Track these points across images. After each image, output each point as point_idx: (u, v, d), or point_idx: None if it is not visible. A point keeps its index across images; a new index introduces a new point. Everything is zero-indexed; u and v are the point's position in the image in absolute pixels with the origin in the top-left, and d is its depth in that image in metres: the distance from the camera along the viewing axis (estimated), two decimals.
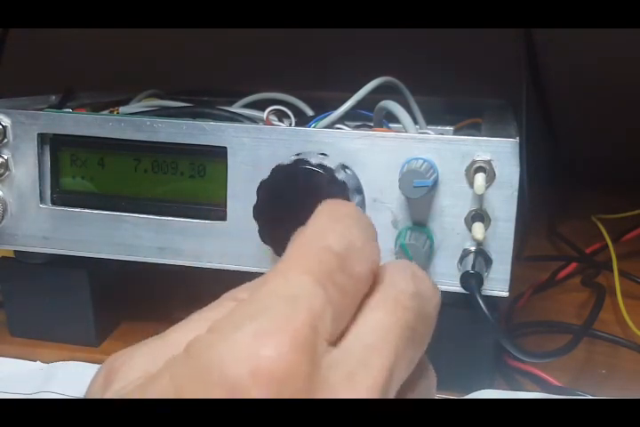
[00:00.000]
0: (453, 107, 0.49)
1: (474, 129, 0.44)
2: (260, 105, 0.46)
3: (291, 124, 0.42)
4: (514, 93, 0.47)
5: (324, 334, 0.18)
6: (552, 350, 0.37)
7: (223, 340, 0.17)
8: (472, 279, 0.33)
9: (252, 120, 0.42)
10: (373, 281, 0.21)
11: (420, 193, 0.33)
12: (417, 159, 0.33)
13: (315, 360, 0.17)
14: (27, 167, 0.39)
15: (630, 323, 0.44)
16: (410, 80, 0.44)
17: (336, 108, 0.39)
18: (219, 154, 0.36)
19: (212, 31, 0.68)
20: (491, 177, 0.33)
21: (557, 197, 0.64)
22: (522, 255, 0.50)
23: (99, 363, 0.20)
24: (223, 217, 0.37)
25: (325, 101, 0.44)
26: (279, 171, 0.34)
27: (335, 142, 0.35)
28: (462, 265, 0.34)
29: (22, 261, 0.42)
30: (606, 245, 0.54)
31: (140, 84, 0.53)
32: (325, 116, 0.40)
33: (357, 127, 0.44)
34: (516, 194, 0.34)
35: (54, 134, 0.38)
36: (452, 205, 0.34)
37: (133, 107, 0.48)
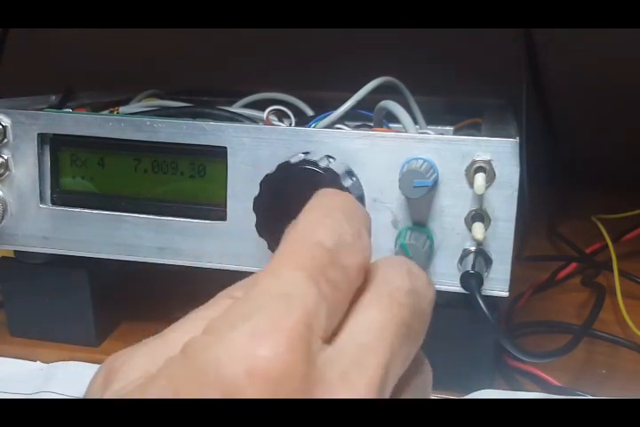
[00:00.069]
0: (453, 107, 0.49)
1: (474, 129, 0.44)
2: (260, 105, 0.46)
3: (291, 124, 0.42)
4: (514, 93, 0.47)
5: (318, 331, 0.18)
6: (552, 350, 0.37)
7: (219, 340, 0.17)
8: (472, 279, 0.33)
9: (252, 120, 0.42)
10: (369, 277, 0.21)
11: (419, 193, 0.33)
12: (417, 159, 0.33)
13: (310, 359, 0.17)
14: (27, 167, 0.39)
15: (630, 323, 0.44)
16: (410, 80, 0.44)
17: (336, 108, 0.40)
18: (219, 154, 0.36)
19: (211, 31, 0.68)
20: (491, 177, 0.33)
21: (557, 197, 0.64)
22: (522, 255, 0.50)
23: (99, 363, 0.20)
24: (223, 217, 0.37)
25: (325, 101, 0.44)
26: (285, 168, 0.34)
27: (335, 142, 0.35)
28: (462, 265, 0.34)
29: (22, 261, 0.42)
30: (606, 245, 0.54)
31: (140, 84, 0.53)
32: (325, 116, 0.40)
33: (357, 127, 0.44)
34: (515, 194, 0.34)
35: (54, 134, 0.38)
36: (451, 205, 0.34)
37: (133, 107, 0.48)
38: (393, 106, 0.39)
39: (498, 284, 0.35)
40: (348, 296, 0.20)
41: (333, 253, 0.19)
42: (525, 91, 0.47)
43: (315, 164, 0.33)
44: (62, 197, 0.39)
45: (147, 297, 0.47)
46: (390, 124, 0.42)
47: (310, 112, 0.46)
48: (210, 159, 0.37)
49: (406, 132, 0.38)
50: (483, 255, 0.34)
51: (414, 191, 0.33)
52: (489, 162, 0.33)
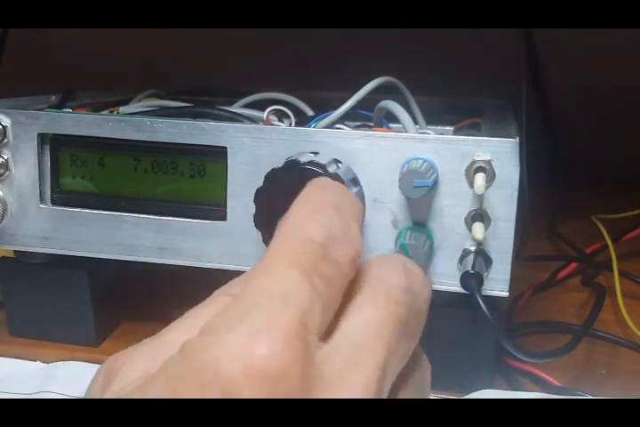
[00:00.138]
0: (453, 107, 0.49)
1: (474, 129, 0.44)
2: (260, 105, 0.46)
3: (291, 124, 0.42)
4: (514, 93, 0.47)
5: (313, 329, 0.18)
6: (552, 350, 0.37)
7: (216, 341, 0.17)
8: (472, 279, 0.33)
9: (252, 120, 0.42)
10: (365, 275, 0.21)
11: (420, 193, 0.33)
12: (417, 159, 0.33)
13: (307, 357, 0.17)
14: (27, 167, 0.39)
15: (630, 323, 0.44)
16: (410, 80, 0.44)
17: (336, 108, 0.40)
18: (219, 154, 0.36)
19: (211, 31, 0.68)
20: (491, 177, 0.33)
21: (557, 197, 0.64)
22: (522, 255, 0.50)
23: (99, 363, 0.20)
24: (223, 217, 0.37)
25: (325, 101, 0.44)
26: (292, 165, 0.34)
27: (335, 142, 0.35)
28: (462, 265, 0.34)
29: (22, 261, 0.42)
30: (606, 245, 0.54)
31: (140, 84, 0.53)
32: (325, 116, 0.40)
33: (357, 127, 0.44)
34: (515, 194, 0.34)
35: (54, 134, 0.38)
36: (451, 205, 0.34)
37: (133, 107, 0.48)
38: (393, 106, 0.39)
39: (498, 284, 0.35)
40: (341, 290, 0.20)
41: (324, 247, 0.19)
42: (525, 91, 0.47)
43: (323, 167, 0.33)
44: (62, 197, 0.39)
45: (147, 297, 0.47)
46: (390, 124, 0.42)
47: (310, 112, 0.46)
48: (210, 159, 0.37)
49: (406, 132, 0.38)
50: (483, 255, 0.34)
51: (414, 191, 0.33)
52: (489, 162, 0.33)
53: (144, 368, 0.19)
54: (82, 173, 0.39)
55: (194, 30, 0.63)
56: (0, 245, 0.40)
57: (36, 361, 0.41)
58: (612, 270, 0.50)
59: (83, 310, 0.43)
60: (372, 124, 0.43)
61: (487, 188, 0.33)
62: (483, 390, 0.38)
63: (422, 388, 0.22)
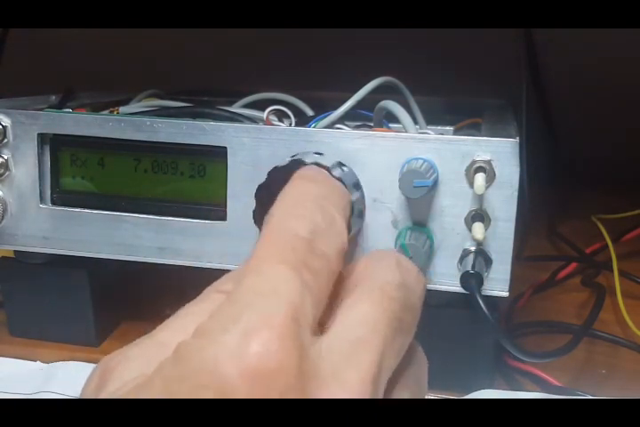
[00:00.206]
0: (453, 107, 0.49)
1: (474, 129, 0.44)
2: (260, 105, 0.46)
3: (291, 124, 0.42)
4: (514, 93, 0.47)
5: (306, 324, 0.18)
6: (552, 350, 0.37)
7: (211, 342, 0.17)
8: (472, 279, 0.33)
9: (252, 120, 0.42)
10: (359, 272, 0.21)
11: (420, 193, 0.33)
12: (417, 159, 0.33)
13: (302, 354, 0.17)
14: (27, 167, 0.39)
15: (630, 323, 0.44)
16: (410, 80, 0.44)
17: (336, 108, 0.39)
18: (219, 154, 0.36)
19: (211, 31, 0.68)
20: (491, 177, 0.33)
21: (557, 197, 0.64)
22: (522, 255, 0.50)
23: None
24: (223, 217, 0.37)
25: (325, 101, 0.44)
26: (296, 164, 0.34)
27: (335, 142, 0.35)
28: (462, 265, 0.34)
29: (22, 261, 0.42)
30: (606, 245, 0.54)
31: (140, 84, 0.53)
32: (325, 116, 0.40)
33: (357, 127, 0.44)
34: (516, 194, 0.34)
35: (54, 134, 0.38)
36: (451, 205, 0.34)
37: (133, 107, 0.48)
38: (393, 106, 0.39)
39: (498, 284, 0.35)
40: (330, 282, 0.20)
41: (311, 242, 0.20)
42: (525, 91, 0.47)
43: (327, 170, 0.33)
44: (62, 197, 0.39)
45: (147, 297, 0.47)
46: (390, 124, 0.42)
47: (310, 112, 0.46)
48: (210, 159, 0.37)
49: (406, 132, 0.38)
50: (483, 255, 0.34)
51: (414, 191, 0.33)
52: (489, 162, 0.33)
53: (139, 368, 0.19)
54: (82, 173, 0.39)
55: (194, 30, 0.63)
56: (0, 245, 0.40)
57: (36, 361, 0.41)
58: (612, 270, 0.50)
59: (83, 310, 0.43)
60: (372, 124, 0.43)
61: (487, 188, 0.33)
62: (483, 390, 0.38)
63: (419, 382, 0.22)
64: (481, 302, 0.33)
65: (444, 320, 0.38)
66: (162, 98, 0.51)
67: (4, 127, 0.38)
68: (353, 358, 0.18)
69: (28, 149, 0.38)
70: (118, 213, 0.38)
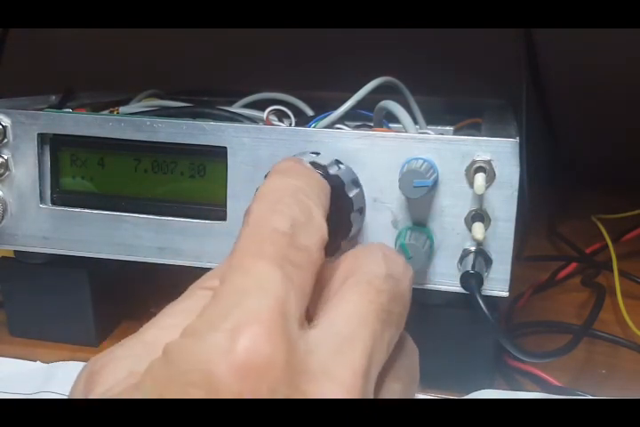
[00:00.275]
0: (453, 107, 0.49)
1: (474, 129, 0.44)
2: (260, 105, 0.46)
3: (291, 124, 0.42)
4: (514, 93, 0.47)
5: (292, 317, 0.18)
6: (552, 350, 0.37)
7: (200, 341, 0.17)
8: (472, 279, 0.33)
9: (252, 120, 0.42)
10: (346, 267, 0.21)
11: (419, 193, 0.33)
12: (417, 159, 0.33)
13: (291, 348, 0.17)
14: (27, 167, 0.39)
15: (630, 323, 0.44)
16: (410, 80, 0.44)
17: (336, 108, 0.39)
18: (219, 154, 0.36)
19: (211, 31, 0.68)
20: (491, 177, 0.33)
21: (557, 197, 0.64)
22: (522, 255, 0.50)
23: None
24: (223, 217, 0.37)
25: (325, 101, 0.44)
26: None
27: (335, 142, 0.35)
28: (462, 265, 0.34)
29: (22, 261, 0.42)
30: (606, 245, 0.54)
31: (140, 84, 0.53)
32: (325, 116, 0.40)
33: (357, 127, 0.44)
34: (516, 194, 0.34)
35: (54, 134, 0.38)
36: (451, 205, 0.34)
37: (133, 107, 0.48)
38: (393, 106, 0.39)
39: (498, 284, 0.35)
40: (312, 275, 0.20)
41: (291, 236, 0.20)
42: (525, 91, 0.47)
43: (324, 168, 0.33)
44: (62, 197, 0.39)
45: (147, 297, 0.47)
46: (390, 124, 0.42)
47: (310, 112, 0.46)
48: (210, 159, 0.37)
49: (406, 132, 0.38)
50: (483, 255, 0.34)
51: (414, 191, 0.33)
52: (489, 162, 0.33)
53: (127, 368, 0.19)
54: (82, 173, 0.39)
55: (194, 30, 0.63)
56: (0, 245, 0.40)
57: (35, 361, 0.41)
58: (612, 270, 0.50)
59: (83, 310, 0.43)
60: (372, 124, 0.43)
61: (487, 188, 0.33)
62: (483, 390, 0.38)
63: (411, 372, 0.22)
64: (481, 302, 0.33)
65: (443, 320, 0.38)
66: (162, 98, 0.51)
67: (4, 127, 0.38)
68: (342, 351, 0.18)
69: (28, 149, 0.38)
70: (118, 213, 0.38)
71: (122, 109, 0.47)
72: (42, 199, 0.39)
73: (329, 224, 0.22)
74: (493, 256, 0.34)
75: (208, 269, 0.38)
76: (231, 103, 0.48)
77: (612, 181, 0.66)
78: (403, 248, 0.34)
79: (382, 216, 0.35)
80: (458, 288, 0.35)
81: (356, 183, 0.34)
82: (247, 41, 0.73)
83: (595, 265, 0.54)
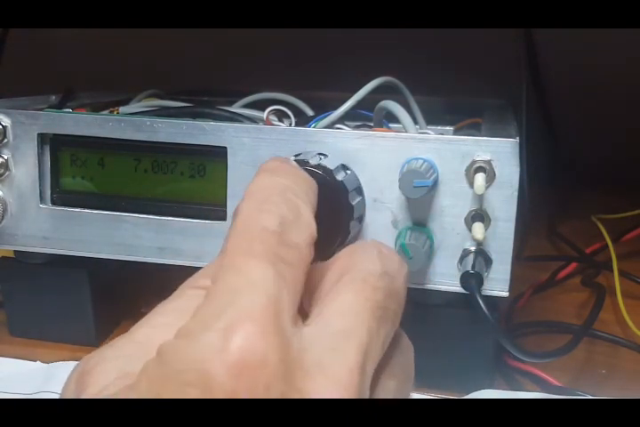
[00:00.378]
0: (453, 107, 0.49)
1: (474, 129, 0.44)
2: (260, 105, 0.46)
3: (291, 124, 0.42)
4: (514, 93, 0.47)
5: (285, 315, 0.18)
6: (552, 350, 0.37)
7: (194, 341, 0.17)
8: (472, 279, 0.33)
9: (252, 120, 0.42)
10: (341, 264, 0.21)
11: (420, 193, 0.33)
12: (417, 159, 0.33)
13: (285, 345, 0.17)
14: (27, 167, 0.39)
15: (630, 323, 0.44)
16: (410, 80, 0.44)
17: (336, 108, 0.39)
18: (219, 154, 0.36)
19: (212, 31, 0.68)
20: (491, 177, 0.33)
21: (557, 197, 0.64)
22: (522, 255, 0.50)
23: None
24: (223, 217, 0.37)
25: (325, 101, 0.44)
26: (300, 165, 0.33)
27: (335, 142, 0.35)
28: (462, 265, 0.34)
29: (22, 261, 0.42)
30: (606, 245, 0.54)
31: (140, 84, 0.53)
32: (325, 116, 0.40)
33: (357, 127, 0.44)
34: (516, 194, 0.34)
35: (54, 134, 0.38)
36: (451, 205, 0.34)
37: (133, 107, 0.48)
38: (393, 106, 0.39)
39: (498, 284, 0.35)
40: (303, 273, 0.20)
41: (280, 234, 0.20)
42: (525, 91, 0.47)
43: (330, 173, 0.32)
44: (62, 197, 0.39)
45: (147, 297, 0.47)
46: (390, 124, 0.42)
47: (310, 112, 0.46)
48: (210, 159, 0.37)
49: (406, 132, 0.38)
50: (483, 255, 0.34)
51: (414, 191, 0.33)
52: (489, 162, 0.33)
53: (118, 368, 0.19)
54: (82, 173, 0.39)
55: (194, 30, 0.63)
56: (0, 245, 0.40)
57: (35, 361, 0.41)
58: (612, 270, 0.50)
59: (83, 310, 0.43)
60: (372, 124, 0.43)
61: (487, 188, 0.33)
62: (483, 390, 0.38)
63: (406, 369, 0.22)
64: (481, 302, 0.33)
65: (443, 320, 0.38)
66: (162, 98, 0.51)
67: (4, 127, 0.38)
68: (338, 348, 0.18)
69: (28, 149, 0.38)
70: (118, 213, 0.38)
71: (122, 109, 0.47)
72: (42, 199, 0.39)
73: (317, 222, 0.22)
74: (493, 256, 0.34)
75: None
76: (231, 103, 0.48)
77: (612, 181, 0.66)
78: (403, 248, 0.34)
79: (382, 216, 0.35)
80: (458, 288, 0.35)
81: (359, 191, 0.34)
82: (247, 41, 0.73)
83: (595, 265, 0.54)
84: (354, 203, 0.33)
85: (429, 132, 0.42)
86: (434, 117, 0.45)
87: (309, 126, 0.39)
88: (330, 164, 0.33)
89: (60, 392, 0.37)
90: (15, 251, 0.42)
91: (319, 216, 0.23)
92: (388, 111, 0.40)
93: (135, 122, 0.37)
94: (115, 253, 0.39)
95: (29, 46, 0.72)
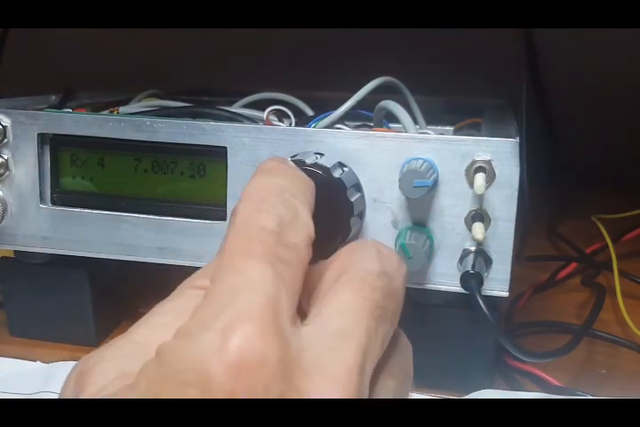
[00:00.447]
0: (453, 107, 0.49)
1: (474, 129, 0.44)
2: (260, 105, 0.46)
3: (291, 124, 0.42)
4: (514, 93, 0.47)
5: (284, 314, 0.18)
6: (552, 350, 0.37)
7: (193, 341, 0.17)
8: (472, 279, 0.33)
9: (252, 120, 0.42)
10: (340, 264, 0.21)
11: (419, 193, 0.33)
12: (417, 159, 0.33)
13: (284, 345, 0.17)
14: (27, 167, 0.39)
15: (630, 323, 0.44)
16: (410, 80, 0.44)
17: (336, 108, 0.39)
18: (219, 154, 0.36)
19: (212, 31, 0.68)
20: (491, 177, 0.33)
21: (557, 197, 0.64)
22: (522, 255, 0.50)
23: None
24: (223, 217, 0.37)
25: (325, 101, 0.44)
26: (297, 165, 0.34)
27: (335, 142, 0.35)
28: (462, 265, 0.34)
29: (22, 261, 0.42)
30: (606, 245, 0.54)
31: (140, 84, 0.53)
32: (325, 116, 0.40)
33: (357, 127, 0.44)
34: (516, 194, 0.34)
35: (54, 134, 0.38)
36: (451, 205, 0.34)
37: (133, 107, 0.48)
38: (393, 106, 0.39)
39: (498, 284, 0.35)
40: (302, 273, 0.20)
41: (278, 234, 0.20)
42: (525, 91, 0.47)
43: (327, 171, 0.32)
44: (62, 197, 0.39)
45: (147, 297, 0.47)
46: (390, 124, 0.42)
47: (310, 112, 0.46)
48: (210, 159, 0.37)
49: (406, 132, 0.38)
50: (483, 255, 0.34)
51: (414, 191, 0.33)
52: (489, 162, 0.33)
53: (117, 368, 0.19)
54: (82, 173, 0.39)
55: (194, 30, 0.63)
56: (0, 245, 0.40)
57: (35, 361, 0.41)
58: (612, 270, 0.50)
59: (83, 309, 0.43)
60: (372, 124, 0.43)
61: (487, 188, 0.33)
62: (483, 390, 0.38)
63: (405, 369, 0.22)
64: (481, 302, 0.33)
65: (443, 320, 0.38)
66: (162, 98, 0.51)
67: (4, 127, 0.38)
68: (337, 348, 0.18)
69: (28, 149, 0.38)
70: (118, 213, 0.38)
71: (122, 109, 0.47)
72: (42, 199, 0.39)
73: (315, 222, 0.22)
74: (493, 256, 0.34)
75: None
76: (231, 103, 0.48)
77: (612, 181, 0.66)
78: (403, 248, 0.34)
79: (382, 216, 0.35)
80: (458, 288, 0.35)
81: (357, 188, 0.34)
82: (247, 41, 0.73)
83: (595, 265, 0.54)
84: (353, 199, 0.33)
85: (429, 132, 0.42)
86: (434, 117, 0.45)
87: (309, 126, 0.39)
88: (327, 162, 0.33)
89: (59, 392, 0.37)
90: (15, 251, 0.42)
91: (318, 215, 0.23)
92: (387, 111, 0.40)
93: (135, 122, 0.37)
94: (115, 253, 0.39)
95: (29, 46, 0.72)
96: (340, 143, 0.35)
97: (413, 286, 0.35)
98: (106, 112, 0.46)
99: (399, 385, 0.22)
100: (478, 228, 0.33)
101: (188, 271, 0.23)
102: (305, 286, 0.20)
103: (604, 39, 0.61)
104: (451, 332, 0.38)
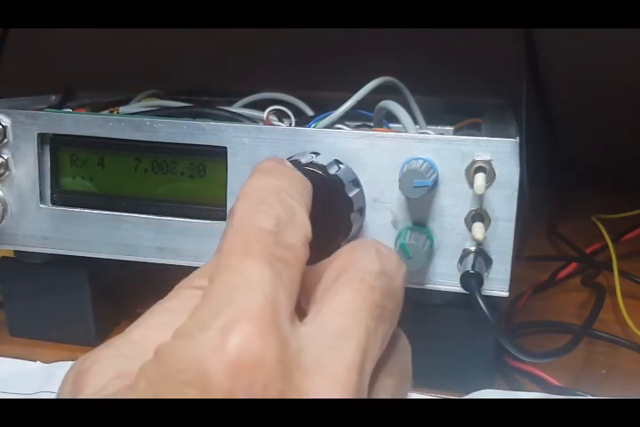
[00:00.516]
0: (453, 107, 0.49)
1: (474, 129, 0.44)
2: (260, 105, 0.46)
3: (291, 124, 0.42)
4: (514, 93, 0.47)
5: (284, 315, 0.18)
6: (552, 350, 0.37)
7: (192, 341, 0.17)
8: (472, 279, 0.33)
9: (252, 120, 0.42)
10: (339, 263, 0.21)
11: (419, 193, 0.33)
12: (417, 159, 0.33)
13: (283, 344, 0.17)
14: (27, 167, 0.39)
15: (630, 323, 0.44)
16: (410, 80, 0.44)
17: (336, 108, 0.39)
18: (219, 154, 0.36)
19: (212, 31, 0.68)
20: (491, 177, 0.33)
21: (557, 197, 0.64)
22: (522, 255, 0.50)
23: None
24: (223, 217, 0.37)
25: (325, 101, 0.44)
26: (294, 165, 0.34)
27: (335, 142, 0.35)
28: (462, 265, 0.34)
29: (22, 261, 0.42)
30: (606, 245, 0.54)
31: (140, 84, 0.53)
32: (325, 116, 0.40)
33: (357, 127, 0.44)
34: (516, 194, 0.34)
35: (54, 134, 0.38)
36: (451, 205, 0.34)
37: (133, 107, 0.48)
38: (393, 106, 0.39)
39: (498, 284, 0.35)
40: (299, 273, 0.20)
41: (276, 234, 0.20)
42: (525, 91, 0.47)
43: (323, 168, 0.32)
44: (62, 197, 0.39)
45: (147, 297, 0.47)
46: (390, 124, 0.42)
47: (310, 112, 0.46)
48: (210, 159, 0.37)
49: (406, 132, 0.38)
50: (483, 255, 0.34)
51: (414, 191, 0.33)
52: (489, 162, 0.33)
53: (115, 368, 0.19)
54: (82, 173, 0.39)
55: (194, 30, 0.63)
56: (0, 245, 0.40)
57: (35, 361, 0.41)
58: (612, 270, 0.50)
59: (83, 309, 0.43)
60: (372, 124, 0.43)
61: (487, 188, 0.33)
62: (483, 390, 0.38)
63: (404, 369, 0.22)
64: (481, 302, 0.33)
65: (443, 320, 0.38)
66: (162, 98, 0.51)
67: (4, 127, 0.38)
68: (336, 347, 0.18)
69: (28, 149, 0.38)
70: (118, 213, 0.38)
71: (122, 109, 0.47)
72: (42, 199, 0.39)
73: (313, 221, 0.22)
74: (493, 256, 0.34)
75: None
76: (231, 103, 0.48)
77: (611, 181, 0.66)
78: (403, 248, 0.34)
79: (382, 216, 0.35)
80: (458, 288, 0.35)
81: (355, 183, 0.34)
82: (247, 41, 0.73)
83: (595, 265, 0.54)
84: (351, 195, 0.33)
85: (429, 132, 0.42)
86: (434, 117, 0.45)
87: (309, 126, 0.39)
88: (322, 160, 0.33)
89: None
90: (15, 251, 0.42)
91: (318, 213, 0.23)
92: (388, 111, 0.40)
93: (135, 122, 0.37)
94: (115, 253, 0.39)
95: (29, 46, 0.72)
96: (340, 143, 0.35)
97: (413, 286, 0.35)
98: (106, 112, 0.46)
99: (398, 385, 0.22)
100: (478, 228, 0.33)
101: (187, 271, 0.23)
102: (304, 285, 0.20)
103: (604, 39, 0.61)
104: (451, 332, 0.38)
